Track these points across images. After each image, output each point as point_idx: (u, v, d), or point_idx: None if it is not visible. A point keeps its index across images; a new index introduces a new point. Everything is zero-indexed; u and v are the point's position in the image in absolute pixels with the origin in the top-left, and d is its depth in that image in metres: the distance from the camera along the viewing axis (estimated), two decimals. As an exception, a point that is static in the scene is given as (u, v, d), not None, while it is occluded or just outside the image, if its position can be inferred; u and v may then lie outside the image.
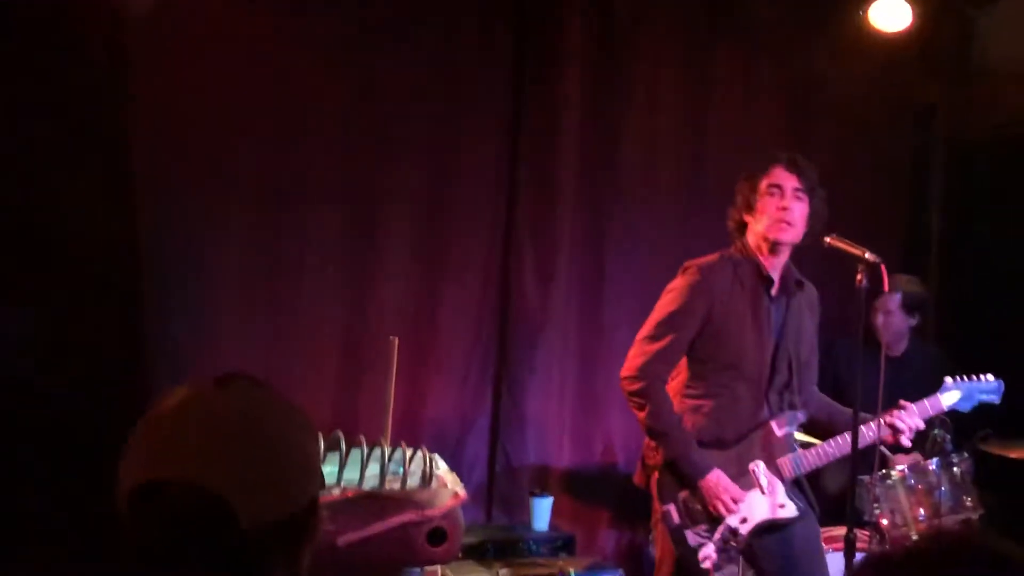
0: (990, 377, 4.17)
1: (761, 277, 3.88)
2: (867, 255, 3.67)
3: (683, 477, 3.79)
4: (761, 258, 3.88)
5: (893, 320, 5.19)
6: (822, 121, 5.94)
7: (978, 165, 6.06)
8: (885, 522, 4.66)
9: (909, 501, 4.67)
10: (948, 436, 4.64)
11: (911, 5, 5.53)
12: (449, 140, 5.18)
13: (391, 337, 4.10)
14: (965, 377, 4.14)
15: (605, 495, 5.47)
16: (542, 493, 5.17)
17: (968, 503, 4.69)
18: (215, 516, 1.25)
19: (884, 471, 4.72)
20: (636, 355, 3.84)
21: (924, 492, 4.67)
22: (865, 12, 5.59)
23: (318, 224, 4.90)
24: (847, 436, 3.79)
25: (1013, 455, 4.73)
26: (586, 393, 5.52)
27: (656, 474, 3.87)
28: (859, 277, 3.67)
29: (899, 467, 4.73)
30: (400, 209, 5.07)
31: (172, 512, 1.26)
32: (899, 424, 3.91)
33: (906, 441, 3.95)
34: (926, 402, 4.02)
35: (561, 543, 5.01)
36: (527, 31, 5.34)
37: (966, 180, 6.12)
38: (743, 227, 3.95)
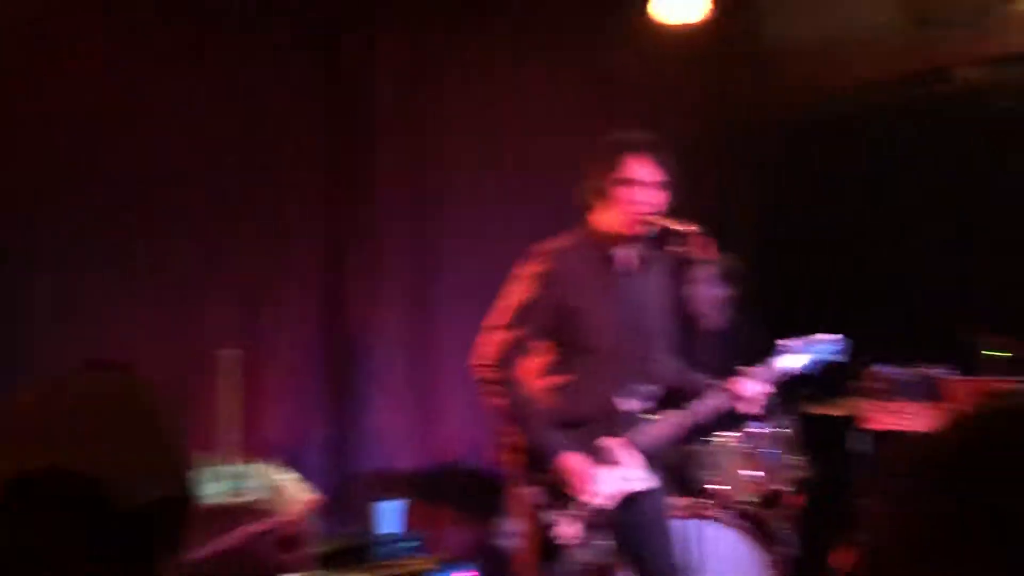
0: (831, 336, 4.15)
1: (605, 254, 3.92)
2: (682, 227, 3.79)
3: (542, 459, 3.81)
4: (609, 240, 3.91)
5: (707, 290, 5.31)
6: (622, 111, 6.10)
7: (774, 143, 6.34)
8: (717, 487, 4.84)
9: (740, 465, 4.87)
10: (776, 398, 4.86)
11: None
12: (269, 151, 5.17)
13: (231, 351, 4.06)
14: (801, 339, 4.14)
15: (453, 495, 5.50)
16: (390, 498, 5.18)
17: (795, 462, 4.93)
18: (90, 500, 1.24)
19: (715, 437, 4.89)
20: (488, 343, 3.84)
21: (751, 454, 4.88)
22: (645, 4, 5.73)
23: (149, 235, 4.81)
24: (692, 406, 3.93)
25: (833, 413, 5.00)
26: (425, 397, 5.56)
27: (515, 458, 3.89)
28: (677, 248, 3.80)
29: (728, 433, 4.90)
30: (229, 225, 5.03)
31: (47, 502, 1.24)
32: (741, 391, 4.00)
33: (755, 408, 4.03)
34: (764, 367, 4.07)
35: (413, 545, 5.03)
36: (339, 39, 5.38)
37: (765, 158, 6.40)
38: (590, 207, 3.94)
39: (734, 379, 4.02)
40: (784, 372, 4.11)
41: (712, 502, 4.79)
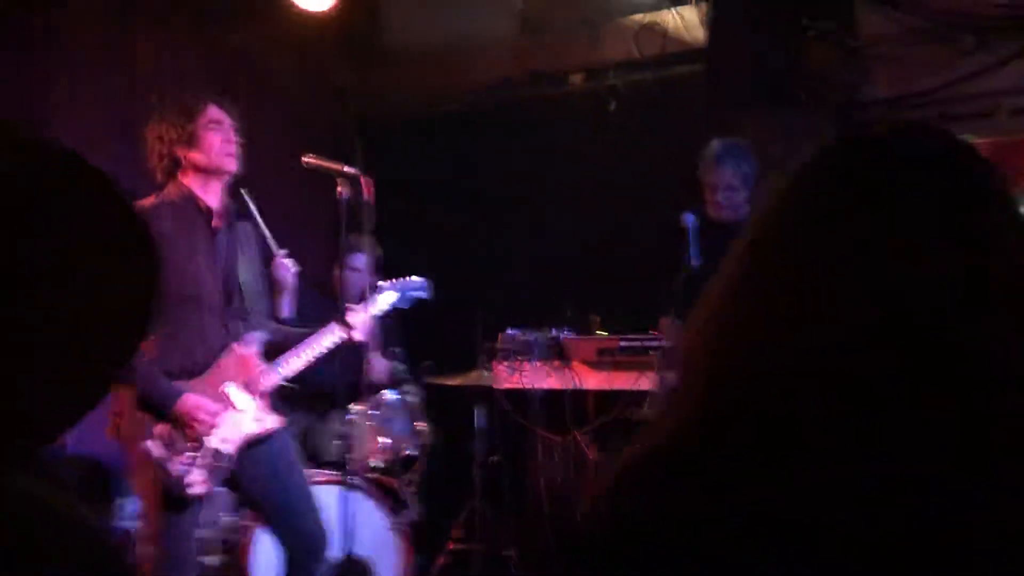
0: (415, 277, 4.53)
1: (200, 210, 3.92)
2: (345, 168, 3.89)
3: (157, 408, 3.74)
4: (199, 191, 3.92)
5: (359, 278, 5.35)
6: (252, 97, 6.09)
7: (391, 143, 6.55)
8: (348, 456, 4.88)
9: (369, 434, 4.94)
10: (402, 367, 4.99)
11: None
12: None
13: None
14: (395, 279, 4.47)
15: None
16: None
17: (420, 428, 5.08)
18: None
19: (347, 409, 4.94)
20: None
21: (381, 425, 4.98)
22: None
23: None
24: (310, 339, 4.03)
25: (450, 382, 5.23)
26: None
27: (124, 418, 3.77)
28: (339, 189, 3.88)
29: (356, 404, 4.97)
30: None
31: None
32: (351, 320, 4.11)
33: (358, 336, 4.12)
34: (370, 299, 4.29)
35: None
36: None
37: (382, 158, 6.59)
38: (175, 166, 3.93)
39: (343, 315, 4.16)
40: (385, 307, 4.36)
41: (343, 471, 4.82)
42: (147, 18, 5.73)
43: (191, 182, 3.91)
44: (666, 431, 1.07)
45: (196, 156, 3.89)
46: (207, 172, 3.90)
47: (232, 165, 3.92)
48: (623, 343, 4.62)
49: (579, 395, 4.71)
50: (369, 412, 4.95)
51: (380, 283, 4.40)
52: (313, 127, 6.50)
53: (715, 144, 4.54)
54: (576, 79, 6.15)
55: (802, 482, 0.97)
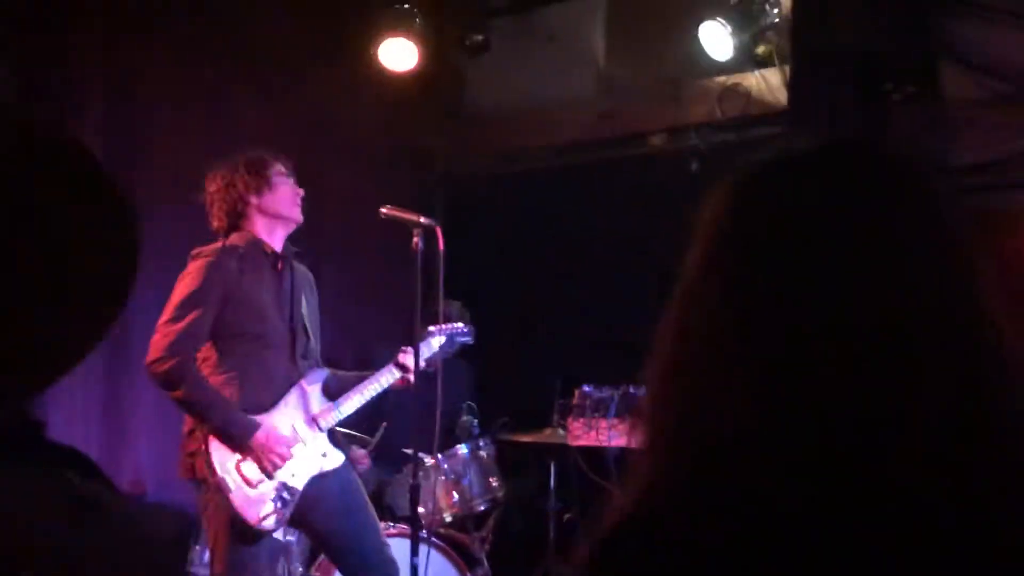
0: (460, 324, 4.75)
1: (266, 254, 4.10)
2: (422, 219, 3.99)
3: (233, 441, 3.86)
4: (265, 237, 4.10)
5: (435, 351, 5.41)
6: (335, 154, 6.22)
7: (473, 201, 6.63)
8: (421, 510, 4.89)
9: (441, 490, 4.95)
10: (475, 421, 5.01)
11: (417, 47, 6.01)
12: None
13: None
14: (444, 325, 4.58)
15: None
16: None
17: (494, 484, 5.07)
18: None
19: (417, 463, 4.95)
20: (161, 338, 3.85)
21: (454, 480, 4.98)
22: (375, 50, 5.99)
23: None
24: (369, 380, 4.20)
25: (524, 439, 5.21)
26: (112, 419, 5.28)
27: (201, 453, 3.88)
28: (415, 240, 3.97)
29: (429, 459, 4.98)
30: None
31: None
32: (406, 362, 4.22)
33: (412, 377, 4.18)
34: (420, 345, 4.32)
35: None
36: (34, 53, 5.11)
37: (464, 215, 6.67)
38: (240, 214, 4.11)
39: (398, 355, 4.28)
40: (434, 351, 4.48)
41: (414, 525, 4.82)
42: (242, 70, 5.90)
43: (257, 228, 4.10)
44: (634, 496, 1.04)
45: (267, 203, 4.09)
46: (275, 219, 4.11)
47: (299, 215, 4.14)
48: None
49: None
50: (442, 467, 4.96)
51: (429, 328, 4.51)
52: (396, 184, 6.58)
53: None
54: (657, 139, 6.18)
55: (768, 551, 0.94)
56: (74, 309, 1.07)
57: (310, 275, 4.35)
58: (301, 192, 4.16)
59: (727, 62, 5.67)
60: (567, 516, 5.23)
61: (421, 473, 4.90)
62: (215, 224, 4.13)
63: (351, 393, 4.18)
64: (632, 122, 6.22)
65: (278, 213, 4.10)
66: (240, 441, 3.85)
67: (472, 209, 6.55)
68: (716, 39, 5.58)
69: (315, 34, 6.09)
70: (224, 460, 3.85)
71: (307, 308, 4.19)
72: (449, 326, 4.63)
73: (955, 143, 5.11)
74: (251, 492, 3.85)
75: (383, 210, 4.11)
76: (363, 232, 5.41)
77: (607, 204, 6.09)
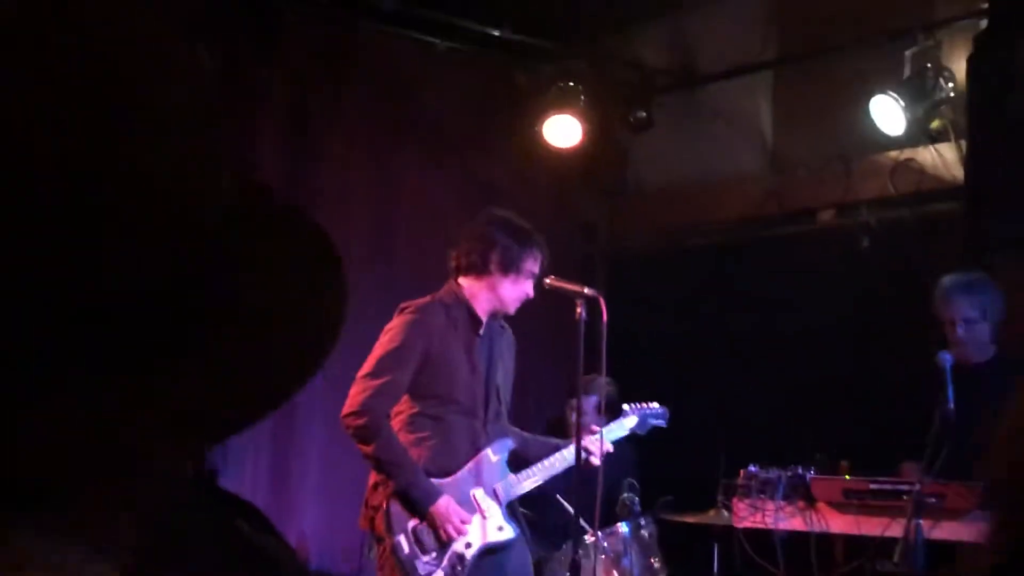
0: (655, 404, 4.66)
1: (472, 318, 4.09)
2: (586, 290, 3.97)
3: (413, 505, 3.87)
4: (475, 304, 4.08)
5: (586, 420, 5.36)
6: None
7: (637, 277, 6.60)
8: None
9: (600, 568, 4.86)
10: (637, 499, 4.92)
11: (582, 124, 6.07)
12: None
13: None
14: (638, 404, 4.58)
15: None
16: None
17: (655, 564, 4.95)
18: None
19: (578, 540, 4.88)
20: (358, 392, 3.89)
21: (614, 559, 4.89)
22: (541, 127, 6.07)
23: None
24: (551, 457, 4.14)
25: (688, 519, 5.08)
26: (279, 482, 5.39)
27: (382, 510, 3.91)
28: (578, 310, 3.95)
29: (589, 536, 4.90)
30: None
31: None
32: (589, 446, 4.16)
33: (595, 460, 4.15)
34: (612, 425, 4.36)
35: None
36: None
37: (628, 291, 6.64)
38: (478, 272, 4.07)
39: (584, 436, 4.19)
40: (622, 430, 4.47)
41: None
42: (413, 145, 6.07)
43: (476, 292, 4.07)
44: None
45: (503, 288, 4.05)
46: (497, 301, 4.07)
47: (514, 312, 4.12)
48: (873, 485, 4.39)
49: (825, 539, 4.48)
50: (602, 544, 4.87)
51: (624, 407, 4.47)
52: (560, 259, 6.60)
53: (944, 279, 4.45)
54: (827, 215, 6.05)
55: None
56: (283, 358, 1.10)
57: (512, 338, 4.32)
58: (531, 296, 4.12)
59: (899, 137, 5.53)
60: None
61: (581, 551, 4.86)
62: (453, 263, 4.12)
63: (534, 468, 4.15)
64: (801, 198, 6.11)
65: (503, 301, 4.08)
66: (420, 508, 3.86)
67: (636, 284, 6.51)
68: (888, 113, 5.45)
69: (485, 108, 6.22)
70: (402, 521, 3.87)
71: (502, 371, 4.18)
72: (643, 406, 4.59)
73: None
74: (424, 558, 3.86)
75: (547, 280, 4.10)
76: (529, 309, 5.41)
77: (774, 281, 5.98)
